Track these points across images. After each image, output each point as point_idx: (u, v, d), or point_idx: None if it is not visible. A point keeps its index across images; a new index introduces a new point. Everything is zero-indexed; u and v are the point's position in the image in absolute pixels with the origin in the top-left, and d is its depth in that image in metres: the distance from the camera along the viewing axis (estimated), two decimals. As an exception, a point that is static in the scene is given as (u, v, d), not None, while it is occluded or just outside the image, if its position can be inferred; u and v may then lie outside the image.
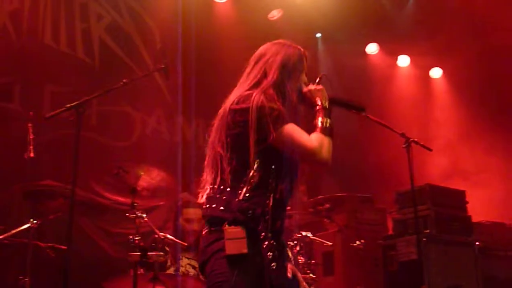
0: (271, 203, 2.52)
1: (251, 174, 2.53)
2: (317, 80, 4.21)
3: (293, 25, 8.36)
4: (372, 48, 9.22)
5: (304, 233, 5.03)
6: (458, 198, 6.98)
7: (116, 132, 7.12)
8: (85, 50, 7.25)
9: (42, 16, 7.00)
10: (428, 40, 8.70)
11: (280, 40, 2.88)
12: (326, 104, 2.72)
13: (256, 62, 2.80)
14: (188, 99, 7.56)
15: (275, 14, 8.29)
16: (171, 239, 4.51)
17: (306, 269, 5.02)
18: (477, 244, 6.57)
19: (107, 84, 4.44)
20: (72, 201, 3.92)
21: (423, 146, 5.02)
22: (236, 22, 7.86)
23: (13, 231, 4.56)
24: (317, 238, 5.30)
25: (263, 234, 2.48)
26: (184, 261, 4.92)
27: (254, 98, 2.58)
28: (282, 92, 2.68)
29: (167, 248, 4.86)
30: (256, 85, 2.69)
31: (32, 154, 4.70)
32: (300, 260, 4.95)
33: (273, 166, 2.57)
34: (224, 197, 2.54)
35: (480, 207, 7.31)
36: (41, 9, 7.01)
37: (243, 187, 2.52)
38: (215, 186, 2.60)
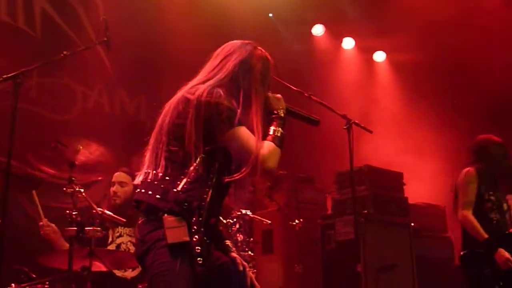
0: (208, 198, 2.49)
1: (192, 167, 2.49)
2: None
3: (243, 5, 8.30)
4: (318, 30, 9.23)
5: (243, 211, 5.05)
6: (395, 180, 7.12)
7: (56, 105, 6.97)
8: (25, 21, 7.06)
9: (-20, -17, 6.78)
10: (372, 23, 8.76)
11: (250, 42, 2.84)
12: (282, 114, 2.71)
13: (224, 58, 2.73)
14: (131, 74, 7.45)
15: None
16: (109, 215, 4.45)
17: (245, 247, 5.05)
18: (413, 225, 6.73)
19: (48, 55, 4.35)
20: (8, 174, 3.83)
21: (363, 128, 5.08)
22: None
23: None
24: (256, 216, 5.32)
25: (195, 227, 2.43)
26: (125, 238, 4.89)
27: (213, 93, 2.54)
28: (246, 94, 2.65)
29: (108, 225, 4.82)
30: (220, 81, 2.65)
31: (-34, 124, 4.55)
32: (239, 238, 4.97)
33: (216, 163, 2.55)
34: (162, 186, 2.50)
35: (417, 189, 7.48)
36: (-20, -24, 6.79)
37: (182, 178, 2.48)
38: (155, 172, 2.56)
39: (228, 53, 2.75)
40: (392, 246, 6.47)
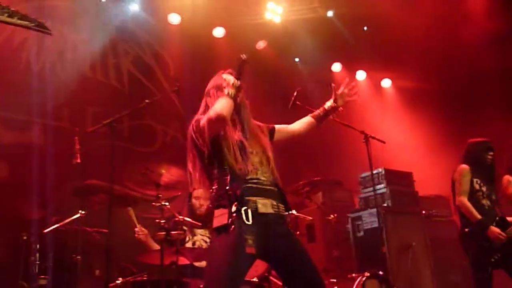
0: (227, 183, 2.52)
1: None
2: (295, 94, 4.16)
3: (275, 52, 8.35)
4: (336, 67, 9.19)
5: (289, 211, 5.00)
6: (407, 178, 6.98)
7: (143, 140, 7.09)
8: (116, 79, 7.24)
9: (82, 53, 6.98)
10: (379, 58, 8.68)
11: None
12: (234, 88, 2.68)
13: None
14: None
15: (261, 45, 8.28)
16: (188, 221, 4.48)
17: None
18: (423, 213, 6.57)
19: (134, 104, 4.43)
20: (111, 195, 3.91)
21: (378, 139, 5.00)
22: (230, 52, 7.80)
23: (67, 220, 4.56)
24: (300, 215, 5.27)
25: (231, 213, 2.46)
26: (199, 237, 4.88)
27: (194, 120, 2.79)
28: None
29: (185, 228, 4.84)
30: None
31: (78, 160, 4.67)
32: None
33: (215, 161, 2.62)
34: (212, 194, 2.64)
35: (425, 184, 7.29)
36: (81, 48, 6.99)
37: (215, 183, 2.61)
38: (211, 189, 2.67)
39: None
40: (408, 230, 6.31)
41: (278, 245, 2.54)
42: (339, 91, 3.12)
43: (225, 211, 2.45)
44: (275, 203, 2.61)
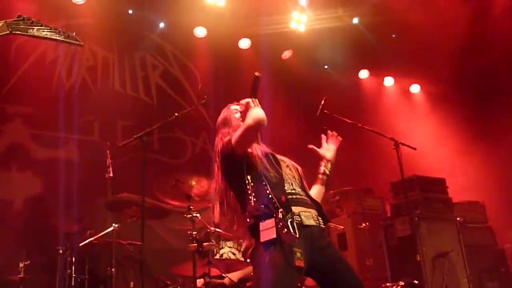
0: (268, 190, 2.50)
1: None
2: (322, 102, 4.16)
3: (301, 62, 8.35)
4: (363, 74, 9.13)
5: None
6: (440, 184, 6.82)
7: (173, 152, 7.16)
8: (145, 93, 7.34)
9: (111, 69, 7.12)
10: (407, 63, 8.59)
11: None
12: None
13: None
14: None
15: (286, 54, 8.29)
16: (219, 232, 4.48)
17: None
18: (458, 219, 6.42)
19: (164, 117, 4.48)
20: (143, 208, 3.94)
21: (408, 146, 4.93)
22: (257, 62, 7.82)
23: (101, 233, 4.63)
24: (332, 224, 5.23)
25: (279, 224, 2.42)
26: (226, 249, 4.85)
27: None
28: None
29: (213, 240, 4.82)
30: None
31: (111, 174, 4.74)
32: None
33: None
34: None
35: (458, 189, 7.15)
36: (110, 63, 7.13)
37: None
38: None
39: None
40: (443, 237, 6.18)
41: (321, 258, 2.52)
42: (322, 149, 2.97)
43: (272, 223, 2.38)
44: (315, 215, 2.59)
